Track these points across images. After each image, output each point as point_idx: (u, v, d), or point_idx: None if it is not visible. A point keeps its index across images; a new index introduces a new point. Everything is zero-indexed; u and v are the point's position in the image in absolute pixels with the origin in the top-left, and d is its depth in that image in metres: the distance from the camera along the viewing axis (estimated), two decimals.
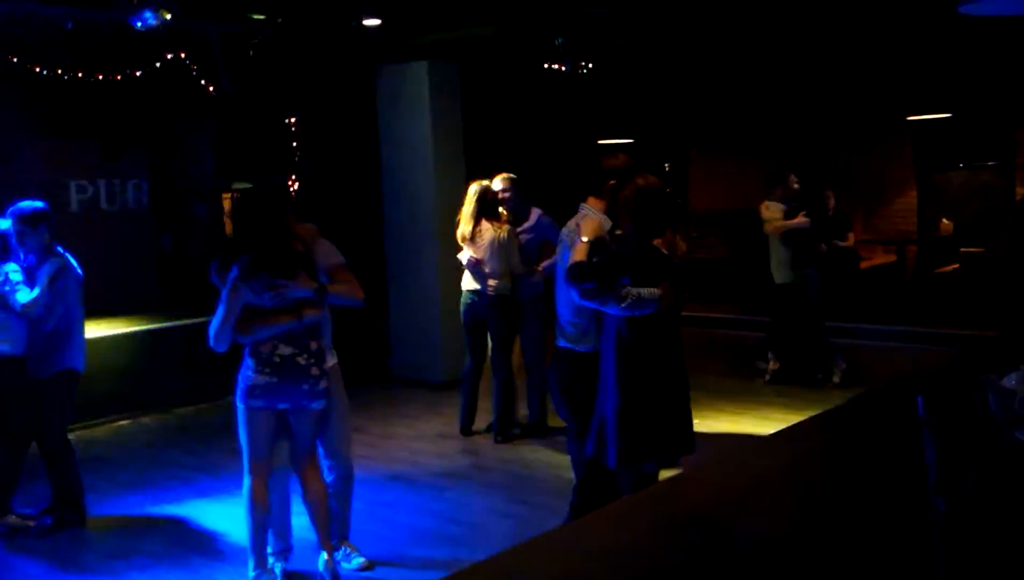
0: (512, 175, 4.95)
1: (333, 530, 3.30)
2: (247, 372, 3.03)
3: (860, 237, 8.85)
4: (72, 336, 3.87)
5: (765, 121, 9.01)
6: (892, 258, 8.77)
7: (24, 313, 3.72)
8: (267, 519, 3.14)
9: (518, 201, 4.90)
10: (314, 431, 3.14)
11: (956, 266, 8.05)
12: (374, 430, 5.21)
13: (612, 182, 3.08)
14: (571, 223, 3.14)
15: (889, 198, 9.31)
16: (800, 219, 5.64)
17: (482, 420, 5.11)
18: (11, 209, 3.83)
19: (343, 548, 3.37)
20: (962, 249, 8.08)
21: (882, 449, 2.08)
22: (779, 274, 5.79)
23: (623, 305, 2.75)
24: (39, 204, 3.87)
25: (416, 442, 5.09)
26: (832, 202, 7.78)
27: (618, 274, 2.79)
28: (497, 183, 4.89)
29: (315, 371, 3.05)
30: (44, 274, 3.74)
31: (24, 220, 3.77)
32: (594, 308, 2.89)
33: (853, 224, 8.76)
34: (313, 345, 3.06)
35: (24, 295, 3.70)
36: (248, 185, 7.32)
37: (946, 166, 9.06)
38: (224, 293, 2.97)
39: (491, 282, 4.76)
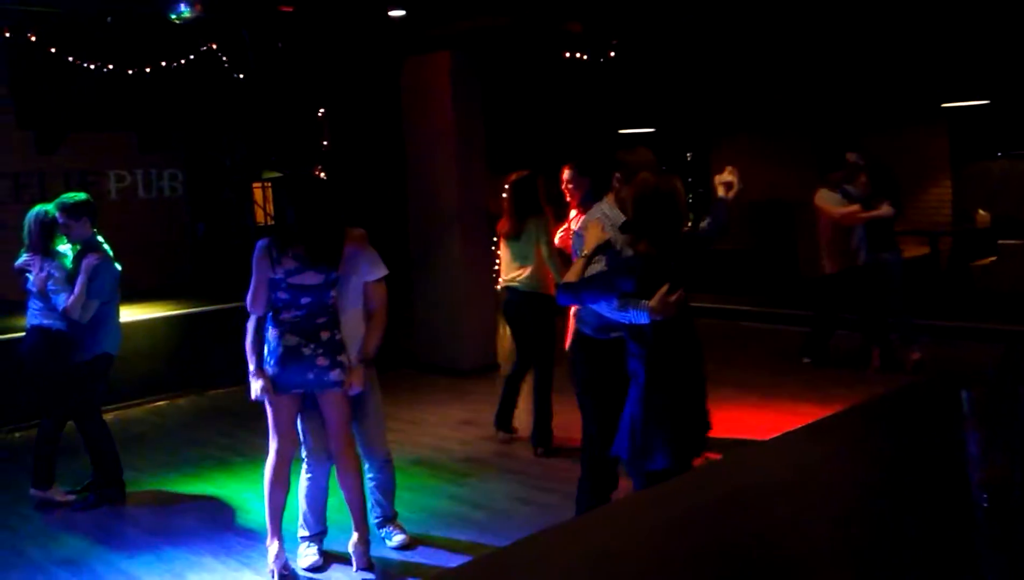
0: (576, 162, 4.21)
1: (377, 512, 3.45)
2: (265, 361, 3.14)
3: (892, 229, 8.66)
4: (108, 323, 4.03)
5: (792, 110, 8.85)
6: (925, 250, 8.56)
7: (66, 315, 3.89)
8: (282, 497, 3.24)
9: (587, 191, 4.11)
10: (342, 415, 3.20)
11: (993, 259, 7.84)
12: (399, 415, 5.30)
13: (617, 174, 3.02)
14: (584, 219, 3.10)
15: (923, 188, 9.07)
16: (885, 209, 5.48)
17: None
18: (57, 201, 3.98)
19: (387, 527, 3.49)
20: (1000, 241, 7.87)
21: (924, 443, 2.06)
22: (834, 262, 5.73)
23: (615, 312, 2.68)
24: (82, 196, 4.02)
25: (440, 428, 5.17)
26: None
27: (611, 286, 2.68)
28: (565, 173, 4.33)
29: (322, 361, 3.08)
30: (83, 273, 3.89)
31: (67, 211, 3.92)
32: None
33: None
34: (324, 335, 3.09)
35: (64, 299, 3.87)
36: (277, 174, 7.45)
37: (983, 155, 8.79)
38: (254, 262, 3.08)
39: (519, 278, 4.50)
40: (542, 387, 4.53)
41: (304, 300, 3.07)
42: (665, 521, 1.66)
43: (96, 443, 4.08)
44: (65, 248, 4.03)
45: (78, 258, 3.96)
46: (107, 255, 3.99)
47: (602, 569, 1.45)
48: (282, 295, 3.08)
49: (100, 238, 4.03)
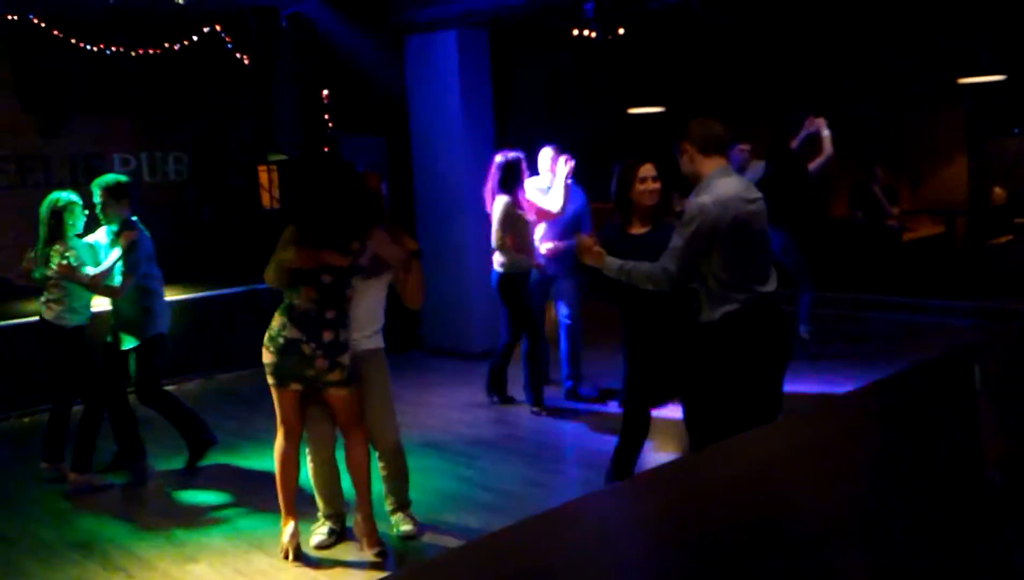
0: (557, 145, 4.89)
1: (390, 499, 3.41)
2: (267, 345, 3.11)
3: (906, 207, 8.54)
4: (157, 304, 4.08)
5: (804, 85, 8.69)
6: (940, 229, 8.44)
7: (92, 286, 3.88)
8: (294, 477, 3.22)
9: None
10: (347, 408, 3.16)
11: (1010, 237, 7.73)
12: (407, 398, 5.28)
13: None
14: None
15: (938, 166, 8.93)
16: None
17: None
18: (97, 180, 4.02)
19: (398, 514, 3.44)
20: (1016, 219, 7.75)
21: (937, 420, 2.03)
22: None
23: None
24: (123, 177, 4.09)
25: (449, 411, 5.17)
26: (881, 177, 7.52)
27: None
28: (545, 151, 4.89)
29: (321, 363, 3.02)
30: (116, 250, 3.92)
31: (108, 191, 3.94)
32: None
33: (899, 194, 8.47)
34: (327, 336, 3.02)
35: (92, 271, 3.88)
36: (283, 157, 7.41)
37: (999, 132, 8.63)
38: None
39: (494, 257, 4.80)
40: (530, 358, 4.85)
41: (325, 279, 3.03)
42: (674, 500, 1.64)
43: (169, 414, 4.16)
44: (100, 233, 4.04)
45: (116, 237, 3.98)
46: (142, 233, 4.02)
47: (610, 548, 1.43)
48: (303, 274, 3.03)
49: (136, 220, 4.05)
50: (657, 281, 2.80)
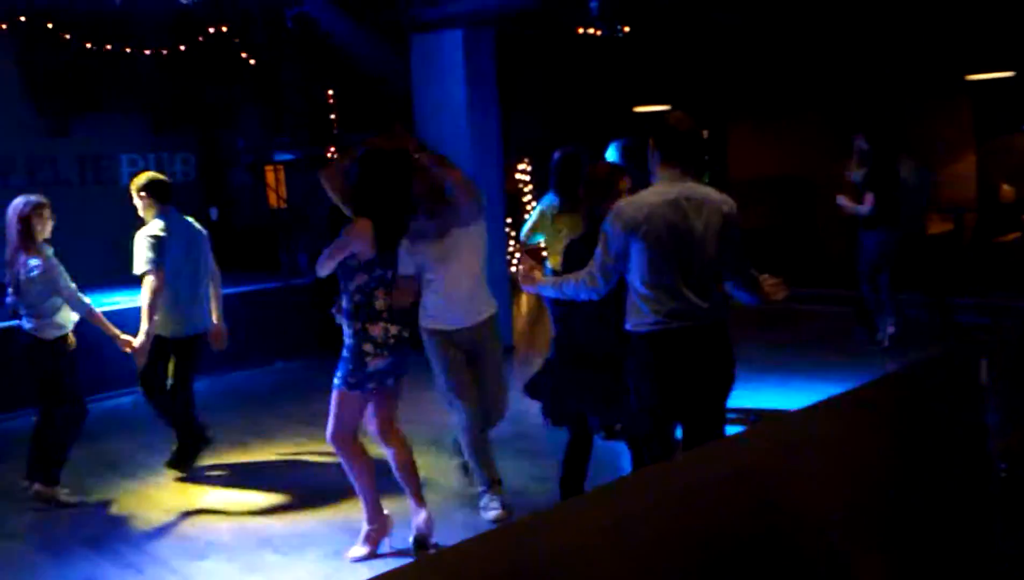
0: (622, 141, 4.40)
1: (475, 478, 3.59)
2: (363, 358, 3.07)
3: None
4: (200, 302, 4.11)
5: (810, 82, 8.66)
6: (948, 227, 8.40)
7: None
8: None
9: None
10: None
11: (1018, 235, 7.70)
12: (411, 396, 5.29)
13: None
14: None
15: (946, 163, 8.88)
16: (862, 206, 5.88)
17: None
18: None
19: (486, 495, 3.58)
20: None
21: (943, 413, 2.03)
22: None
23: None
24: (144, 175, 4.15)
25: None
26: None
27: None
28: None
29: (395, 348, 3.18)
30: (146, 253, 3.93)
31: (136, 192, 4.07)
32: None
33: None
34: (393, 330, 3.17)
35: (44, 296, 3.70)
36: (291, 157, 7.44)
37: (1008, 128, 8.59)
38: (337, 244, 3.09)
39: None
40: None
41: (377, 272, 3.10)
42: (679, 495, 1.65)
43: (184, 411, 4.18)
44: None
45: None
46: (160, 230, 3.98)
47: (616, 543, 1.44)
48: (362, 275, 3.10)
49: (174, 216, 4.08)
50: (587, 289, 2.72)
